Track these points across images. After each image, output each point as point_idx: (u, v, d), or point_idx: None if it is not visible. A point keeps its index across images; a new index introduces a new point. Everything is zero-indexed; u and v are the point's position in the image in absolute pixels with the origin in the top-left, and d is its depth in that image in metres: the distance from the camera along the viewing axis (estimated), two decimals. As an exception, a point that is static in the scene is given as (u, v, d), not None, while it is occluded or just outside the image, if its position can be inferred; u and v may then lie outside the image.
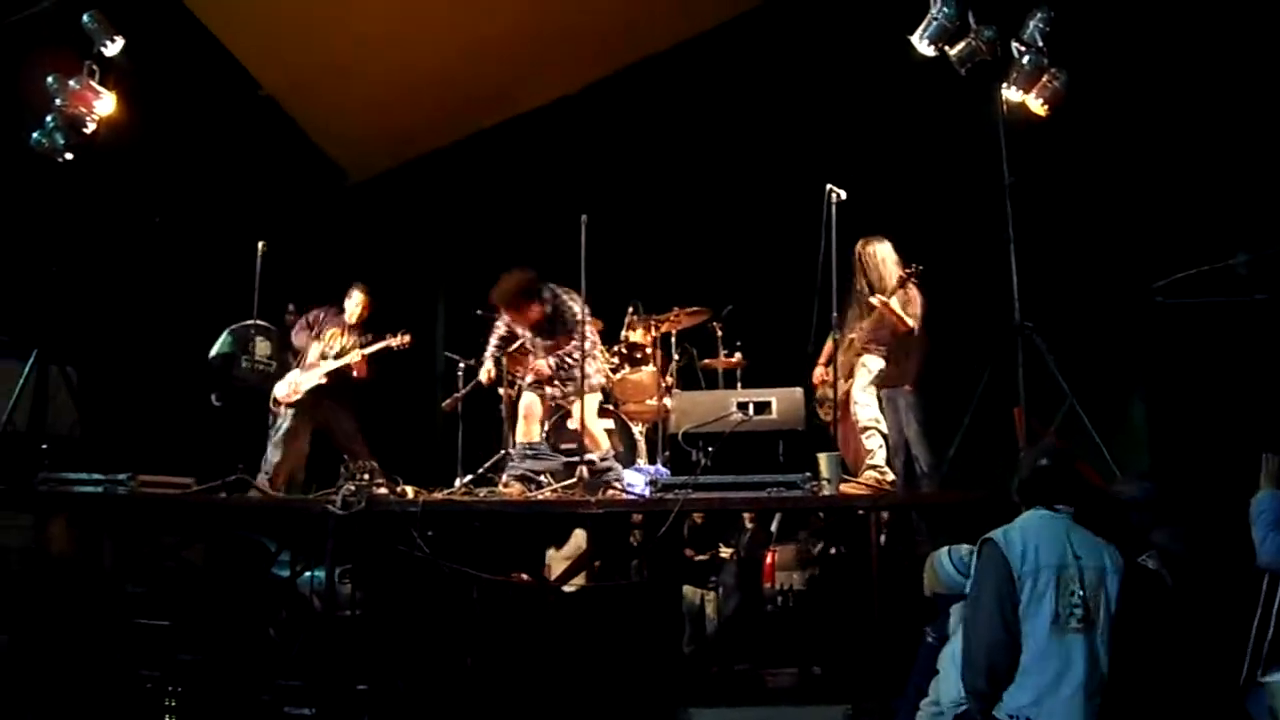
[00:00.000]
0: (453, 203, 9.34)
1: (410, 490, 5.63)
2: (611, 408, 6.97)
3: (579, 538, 6.80)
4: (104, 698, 5.14)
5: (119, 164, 7.00)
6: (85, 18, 6.03)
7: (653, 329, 7.19)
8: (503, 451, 6.79)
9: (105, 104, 6.19)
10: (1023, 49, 5.35)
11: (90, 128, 6.17)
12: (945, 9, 5.36)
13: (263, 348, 7.03)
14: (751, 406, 6.22)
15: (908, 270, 5.75)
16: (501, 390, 6.85)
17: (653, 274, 7.70)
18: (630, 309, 7.21)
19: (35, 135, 6.09)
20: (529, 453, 6.28)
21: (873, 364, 5.91)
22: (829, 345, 6.01)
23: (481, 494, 6.09)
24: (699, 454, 6.30)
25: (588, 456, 5.85)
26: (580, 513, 5.54)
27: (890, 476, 5.66)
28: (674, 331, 7.30)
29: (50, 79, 6.09)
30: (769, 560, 6.93)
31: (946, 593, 3.99)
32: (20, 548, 5.83)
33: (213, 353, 7.19)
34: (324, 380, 6.84)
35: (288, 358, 7.11)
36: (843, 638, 5.57)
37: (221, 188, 8.07)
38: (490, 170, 8.98)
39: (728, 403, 6.30)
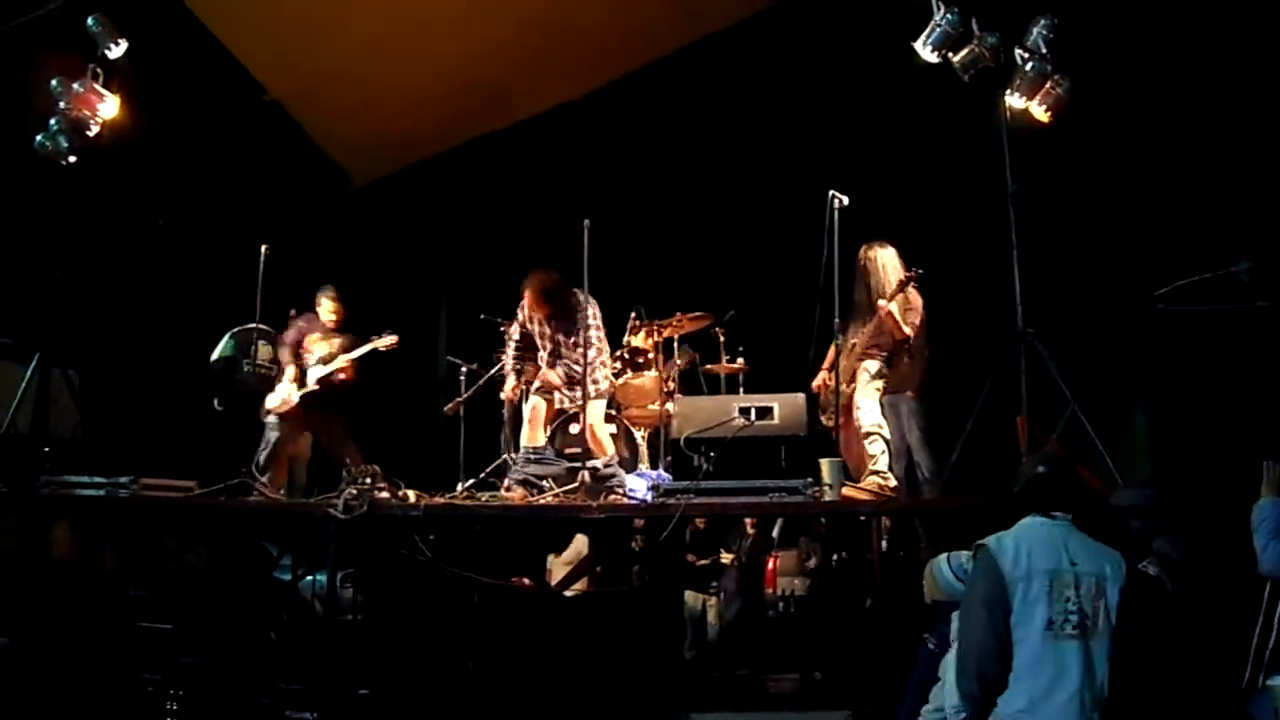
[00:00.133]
0: (455, 208, 9.36)
1: (412, 494, 5.61)
2: (614, 412, 6.97)
3: (580, 543, 6.79)
4: (105, 701, 5.12)
5: (122, 167, 7.02)
6: (90, 21, 6.05)
7: (655, 334, 7.20)
8: (504, 456, 6.79)
9: (109, 107, 6.22)
10: (1026, 56, 5.35)
11: (94, 131, 6.20)
12: (949, 16, 5.37)
13: (264, 351, 7.04)
14: (753, 412, 6.23)
15: (907, 275, 5.75)
16: (503, 395, 6.85)
17: (655, 279, 7.68)
18: (633, 314, 7.22)
19: (39, 138, 6.11)
20: (532, 457, 6.28)
21: (874, 369, 5.91)
22: (831, 351, 6.01)
23: (483, 498, 6.10)
24: (701, 459, 6.29)
25: (591, 462, 5.86)
26: (582, 518, 5.54)
27: (892, 482, 5.64)
28: (676, 337, 7.31)
29: (54, 82, 6.12)
30: (770, 565, 6.95)
31: (946, 599, 3.98)
32: (10, 550, 5.81)
33: (214, 356, 7.23)
34: (315, 388, 6.85)
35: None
36: (844, 643, 5.55)
37: (224, 192, 8.08)
38: (493, 175, 8.98)
39: (730, 408, 6.31)
